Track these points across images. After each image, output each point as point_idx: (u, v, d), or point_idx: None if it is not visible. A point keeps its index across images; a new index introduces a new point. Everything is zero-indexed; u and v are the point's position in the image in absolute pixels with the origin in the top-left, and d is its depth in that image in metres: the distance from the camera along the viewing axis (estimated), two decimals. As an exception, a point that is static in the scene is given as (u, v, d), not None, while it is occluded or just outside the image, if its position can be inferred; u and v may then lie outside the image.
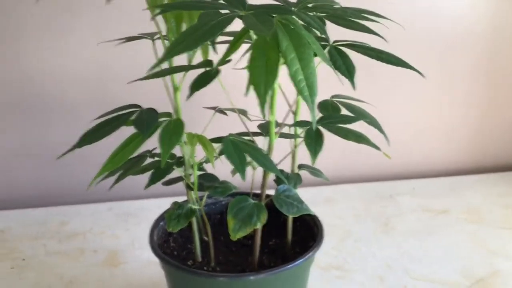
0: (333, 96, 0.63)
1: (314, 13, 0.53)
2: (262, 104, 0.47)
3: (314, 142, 0.53)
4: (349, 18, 0.54)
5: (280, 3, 0.54)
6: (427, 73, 1.09)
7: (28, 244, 0.95)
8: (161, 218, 0.71)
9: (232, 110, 0.64)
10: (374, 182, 1.17)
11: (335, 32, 0.57)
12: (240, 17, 0.47)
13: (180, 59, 0.56)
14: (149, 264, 0.88)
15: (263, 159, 0.54)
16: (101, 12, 1.00)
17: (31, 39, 1.00)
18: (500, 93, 1.18)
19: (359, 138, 0.55)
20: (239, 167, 0.51)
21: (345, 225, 0.99)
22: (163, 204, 1.06)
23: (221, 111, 0.67)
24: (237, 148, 0.53)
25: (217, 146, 0.58)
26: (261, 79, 0.47)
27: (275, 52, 0.48)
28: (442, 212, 1.03)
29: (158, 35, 0.64)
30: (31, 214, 1.05)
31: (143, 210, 1.06)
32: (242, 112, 0.68)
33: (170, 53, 0.43)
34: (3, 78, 1.03)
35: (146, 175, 0.63)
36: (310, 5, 0.55)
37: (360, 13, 0.56)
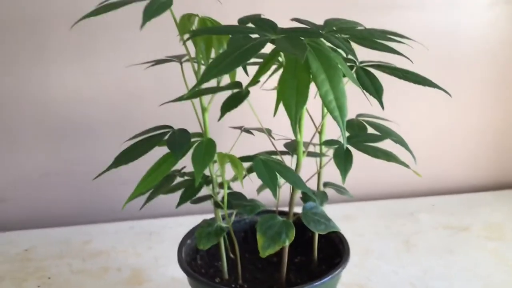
0: (358, 115, 0.64)
1: (341, 35, 0.55)
2: (294, 124, 0.48)
3: (344, 161, 0.55)
4: (373, 39, 0.56)
5: (308, 27, 0.56)
6: (442, 83, 1.10)
7: (53, 263, 0.96)
8: (188, 236, 0.72)
9: (259, 130, 0.66)
10: (393, 199, 1.18)
11: (361, 54, 0.59)
12: (272, 41, 0.49)
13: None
14: (173, 282, 0.89)
15: (293, 177, 0.55)
16: (127, 34, 1.02)
17: (59, 61, 1.03)
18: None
19: (388, 156, 0.56)
20: (271, 185, 0.53)
21: (366, 242, 1.00)
22: (184, 222, 1.08)
23: (247, 131, 0.69)
24: (268, 167, 0.55)
25: (245, 165, 0.60)
26: (292, 101, 0.49)
27: (306, 73, 0.50)
28: (463, 229, 1.03)
29: (186, 57, 0.66)
30: (54, 233, 1.07)
31: (164, 228, 1.07)
32: (267, 132, 0.69)
33: (206, 76, 0.44)
34: (32, 99, 1.05)
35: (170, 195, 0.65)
36: (335, 28, 0.57)
37: (384, 34, 0.58)
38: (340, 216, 1.09)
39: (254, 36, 0.51)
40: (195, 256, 0.72)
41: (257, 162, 0.55)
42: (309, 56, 0.50)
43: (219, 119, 0.54)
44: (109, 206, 1.13)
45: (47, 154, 1.10)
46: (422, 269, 0.91)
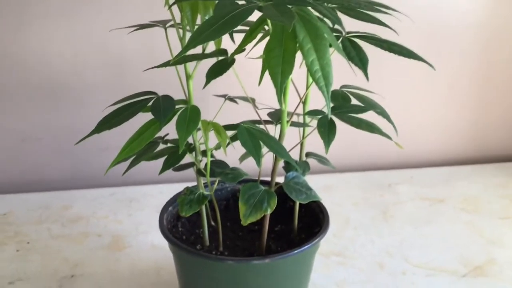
0: (342, 86, 0.64)
1: (328, 4, 0.55)
2: (279, 93, 0.48)
3: (328, 131, 0.55)
4: (360, 10, 0.55)
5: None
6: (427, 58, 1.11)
7: (32, 227, 0.96)
8: (170, 203, 0.72)
9: (243, 98, 0.65)
10: (372, 170, 1.19)
11: (346, 24, 0.58)
12: (260, 8, 0.48)
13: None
14: (153, 249, 0.89)
15: (277, 146, 0.55)
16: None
17: (42, 21, 1.01)
18: (499, 86, 1.20)
19: (371, 127, 0.57)
20: (255, 154, 0.53)
21: (345, 213, 1.01)
22: (165, 190, 1.08)
23: (232, 99, 0.68)
24: (252, 136, 0.55)
25: (229, 133, 0.60)
26: (278, 69, 0.48)
27: (293, 42, 0.49)
28: (440, 201, 1.06)
29: (171, 23, 0.65)
30: (34, 198, 1.06)
31: (145, 195, 1.07)
32: (252, 100, 0.69)
33: (192, 43, 0.44)
34: (12, 62, 1.03)
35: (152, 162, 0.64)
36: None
37: (372, 5, 0.57)
38: (320, 186, 1.10)
39: (241, 2, 0.50)
40: (177, 223, 0.72)
41: (241, 130, 0.55)
42: (296, 25, 0.50)
43: (204, 87, 0.54)
44: (90, 172, 1.13)
45: (28, 118, 1.08)
46: (398, 239, 0.93)
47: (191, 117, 0.53)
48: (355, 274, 0.83)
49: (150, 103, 0.55)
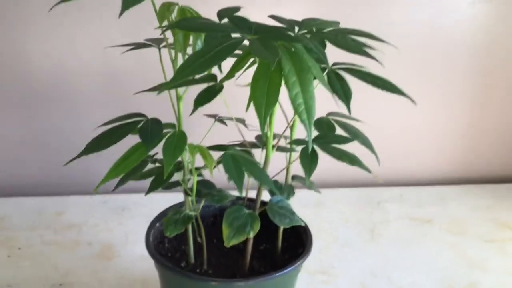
0: (329, 114, 0.66)
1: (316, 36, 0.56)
2: (262, 124, 0.49)
3: (309, 161, 0.56)
4: (347, 42, 0.57)
5: (284, 26, 0.57)
6: (419, 80, 1.12)
7: (24, 233, 0.97)
8: (157, 219, 0.73)
9: (231, 119, 0.67)
10: (363, 187, 1.20)
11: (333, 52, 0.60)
12: (248, 40, 0.50)
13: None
14: (141, 259, 0.91)
15: (260, 173, 0.57)
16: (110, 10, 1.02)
17: (40, 30, 1.02)
18: (490, 107, 1.21)
19: (353, 160, 0.58)
20: (238, 182, 0.54)
21: (333, 229, 1.03)
22: (156, 199, 1.09)
23: (221, 121, 0.70)
24: (237, 163, 0.56)
25: (216, 154, 0.61)
26: (262, 101, 0.50)
27: (278, 75, 0.51)
28: (427, 221, 1.07)
29: (164, 43, 0.66)
30: (28, 202, 1.08)
31: (137, 204, 1.09)
32: (241, 121, 0.71)
33: (178, 76, 0.45)
34: (11, 68, 1.04)
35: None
36: (311, 29, 0.57)
37: (358, 36, 0.59)
38: (311, 202, 1.12)
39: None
40: (163, 239, 0.74)
41: (226, 157, 0.57)
42: (283, 57, 0.51)
43: (191, 113, 0.55)
44: (83, 179, 1.14)
45: (23, 123, 1.10)
46: (384, 259, 0.94)
47: (177, 143, 0.55)
48: (339, 293, 0.85)
49: (139, 126, 0.57)
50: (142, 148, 0.56)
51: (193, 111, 0.55)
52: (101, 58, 1.06)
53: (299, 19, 0.62)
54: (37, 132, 1.11)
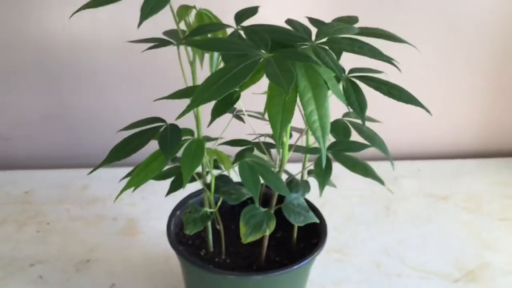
0: (344, 115, 0.66)
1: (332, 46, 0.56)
2: (277, 141, 0.51)
3: (323, 173, 0.58)
4: (363, 50, 0.56)
5: (300, 35, 0.57)
6: (440, 51, 1.09)
7: (52, 207, 1.02)
8: (177, 207, 0.77)
9: (251, 115, 0.68)
10: (381, 161, 1.21)
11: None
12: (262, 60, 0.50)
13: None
14: (163, 236, 0.94)
15: (275, 181, 0.59)
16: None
17: (63, 4, 1.03)
18: (510, 81, 1.20)
19: (366, 171, 0.60)
20: (253, 191, 0.56)
21: (349, 206, 1.05)
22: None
23: (238, 117, 0.71)
24: (253, 171, 0.58)
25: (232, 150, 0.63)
26: (278, 118, 0.51)
27: (293, 92, 0.51)
28: (443, 198, 1.08)
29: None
30: (54, 175, 1.12)
31: (159, 177, 1.12)
32: (258, 117, 0.72)
33: (195, 103, 0.46)
34: (35, 41, 1.06)
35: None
36: (325, 39, 0.57)
37: (377, 37, 0.58)
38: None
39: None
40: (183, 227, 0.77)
41: (243, 166, 0.58)
42: (298, 73, 0.52)
43: (208, 125, 0.56)
44: (107, 151, 1.17)
45: (49, 96, 1.13)
46: (397, 238, 0.96)
47: (195, 152, 0.56)
48: (352, 273, 0.88)
49: (159, 134, 0.59)
50: (162, 157, 0.58)
51: (211, 122, 0.56)
52: (118, 30, 1.06)
53: (317, 16, 0.62)
54: (62, 106, 1.13)
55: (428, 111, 0.56)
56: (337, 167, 0.66)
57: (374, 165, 1.17)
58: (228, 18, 0.62)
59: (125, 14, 1.03)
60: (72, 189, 1.08)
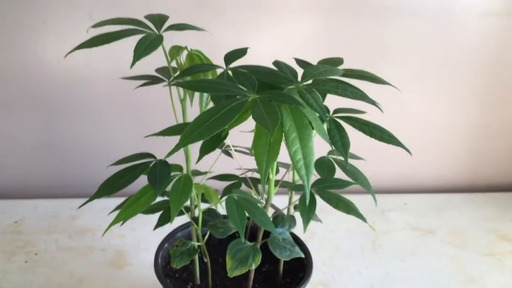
0: (329, 153, 0.68)
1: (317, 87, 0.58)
2: (263, 179, 0.52)
3: (307, 210, 0.59)
4: (346, 93, 0.59)
5: (284, 76, 0.59)
6: (426, 89, 1.12)
7: (41, 237, 1.02)
8: (165, 240, 0.78)
9: (239, 151, 0.70)
10: (367, 194, 1.23)
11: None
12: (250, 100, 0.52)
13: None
14: (152, 267, 0.95)
15: (261, 216, 0.60)
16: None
17: (58, 38, 1.05)
18: (496, 116, 1.23)
19: (349, 208, 0.61)
20: (239, 226, 0.58)
21: (337, 240, 1.06)
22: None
23: (226, 152, 0.73)
24: (239, 207, 0.59)
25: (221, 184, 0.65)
26: (264, 157, 0.53)
27: (279, 132, 0.53)
28: (429, 232, 1.10)
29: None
30: (44, 205, 1.13)
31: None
32: (245, 152, 0.74)
33: (184, 141, 0.48)
34: (30, 73, 1.08)
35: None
36: (311, 81, 0.59)
37: (361, 79, 0.61)
38: (317, 209, 1.15)
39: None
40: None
41: (229, 201, 0.60)
42: (284, 113, 0.54)
43: (197, 162, 0.58)
44: (97, 182, 1.18)
45: (41, 128, 1.14)
46: (384, 272, 0.97)
47: (183, 188, 0.58)
48: (338, 307, 0.89)
49: (148, 169, 0.60)
50: (151, 191, 0.59)
51: (199, 159, 0.58)
52: (112, 64, 1.09)
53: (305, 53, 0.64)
54: (54, 137, 1.15)
55: (408, 150, 0.58)
56: (323, 204, 0.68)
57: (362, 199, 1.20)
58: (219, 57, 0.65)
59: (119, 49, 1.05)
60: (62, 219, 1.08)
